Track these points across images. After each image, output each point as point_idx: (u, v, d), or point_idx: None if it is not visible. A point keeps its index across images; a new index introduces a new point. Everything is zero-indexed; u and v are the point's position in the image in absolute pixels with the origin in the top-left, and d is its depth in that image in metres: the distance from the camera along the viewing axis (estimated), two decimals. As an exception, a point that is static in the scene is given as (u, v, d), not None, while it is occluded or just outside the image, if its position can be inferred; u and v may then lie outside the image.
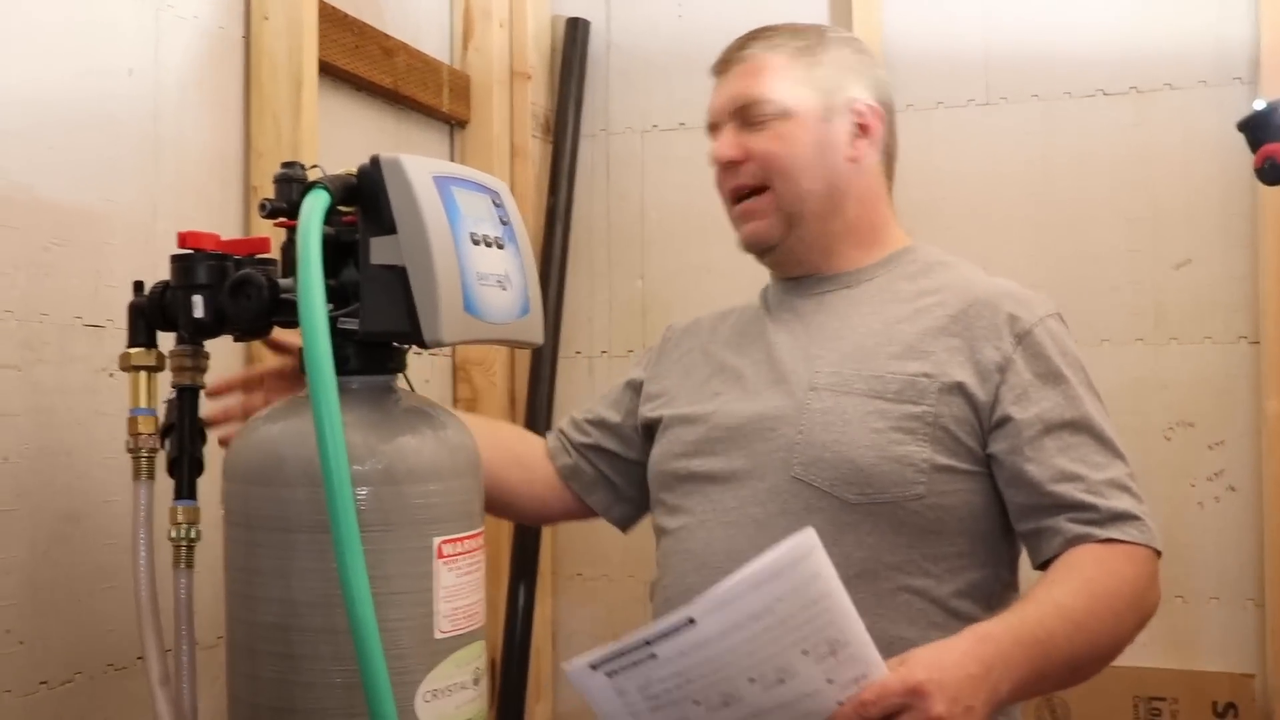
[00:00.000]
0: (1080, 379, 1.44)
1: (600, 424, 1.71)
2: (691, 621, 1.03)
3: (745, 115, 1.51)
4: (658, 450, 1.59)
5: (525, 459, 1.72)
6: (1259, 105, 1.52)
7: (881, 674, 1.10)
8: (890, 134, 1.57)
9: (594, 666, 1.06)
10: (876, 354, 1.45)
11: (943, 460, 1.39)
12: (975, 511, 1.42)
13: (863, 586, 1.30)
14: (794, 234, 1.52)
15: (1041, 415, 1.39)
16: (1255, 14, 2.29)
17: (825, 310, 1.53)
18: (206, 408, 1.41)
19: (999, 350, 1.42)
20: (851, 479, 1.39)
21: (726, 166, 1.53)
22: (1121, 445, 1.42)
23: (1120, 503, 1.37)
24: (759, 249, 1.56)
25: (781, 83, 1.51)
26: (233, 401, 1.43)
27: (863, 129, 1.54)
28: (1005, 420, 1.40)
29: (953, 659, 1.14)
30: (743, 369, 1.55)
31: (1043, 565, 1.40)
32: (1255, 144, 1.50)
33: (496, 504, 1.74)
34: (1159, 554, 1.38)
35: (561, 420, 1.77)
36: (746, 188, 1.52)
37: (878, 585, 1.37)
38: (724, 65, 1.58)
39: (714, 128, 1.57)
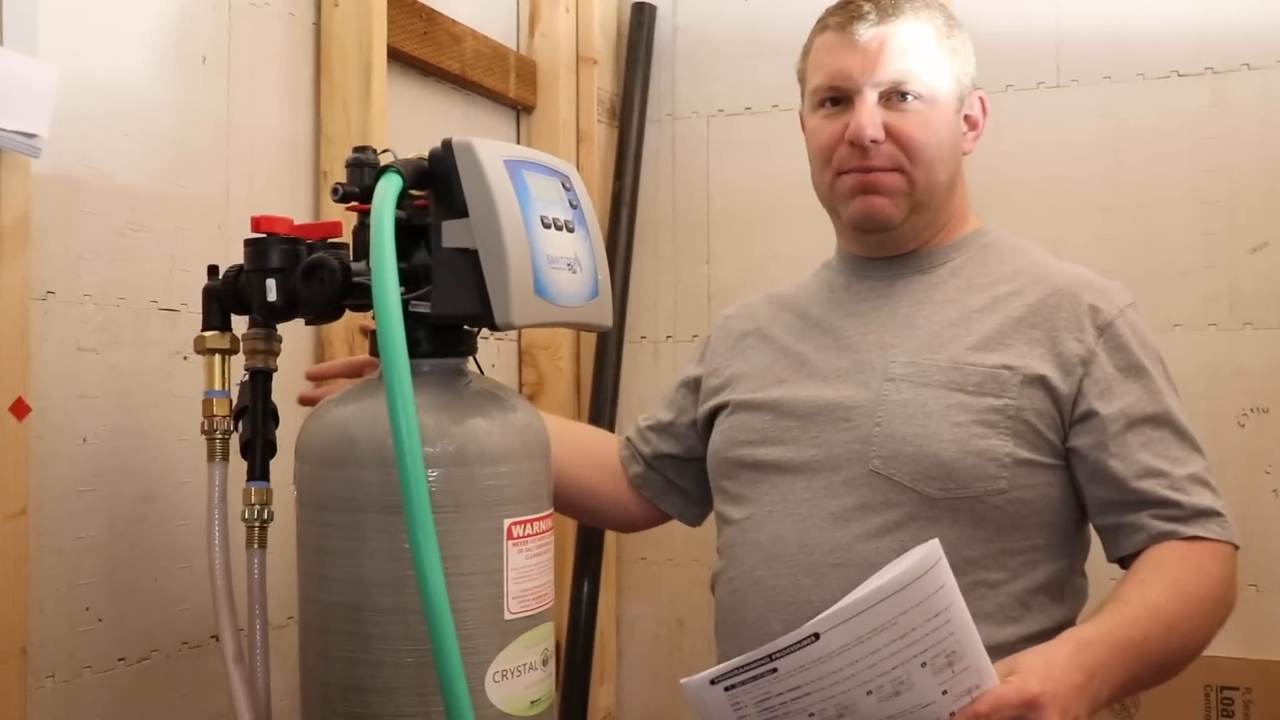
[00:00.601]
0: (1160, 371, 1.42)
1: (660, 429, 1.70)
2: (816, 637, 1.05)
3: (891, 92, 1.45)
4: (719, 437, 1.56)
5: (614, 470, 1.72)
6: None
7: (994, 684, 1.09)
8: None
9: (714, 682, 1.09)
10: (955, 345, 1.43)
11: (1024, 454, 1.38)
12: (1053, 505, 1.41)
13: None
14: (910, 221, 1.49)
15: (1125, 410, 1.38)
16: (1337, -8, 2.23)
17: (898, 295, 1.50)
18: (306, 390, 1.48)
19: (1081, 343, 1.40)
20: (933, 473, 1.37)
21: (866, 144, 1.44)
22: (1199, 438, 1.42)
23: (1202, 499, 1.36)
24: (875, 227, 1.49)
25: (933, 64, 1.47)
26: (333, 388, 1.45)
27: (971, 121, 1.53)
28: (1089, 415, 1.38)
29: (1061, 668, 1.14)
30: (808, 355, 1.52)
31: (1121, 560, 1.40)
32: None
33: (590, 513, 1.81)
34: (1237, 548, 1.37)
35: (629, 428, 1.77)
36: (878, 169, 1.46)
37: (957, 580, 1.31)
38: (869, 26, 1.46)
39: (834, 93, 1.48)
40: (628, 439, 1.74)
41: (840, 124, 1.46)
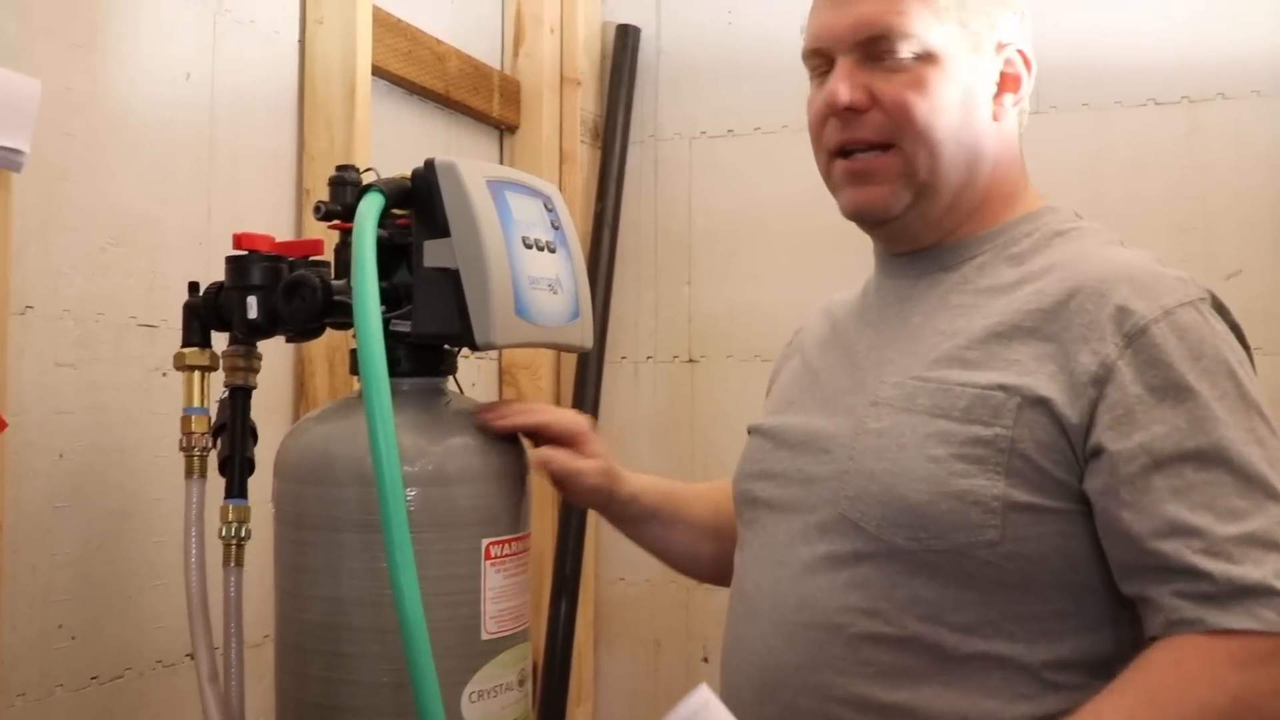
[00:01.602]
0: (1223, 389, 1.07)
1: None
2: None
3: (873, 49, 1.18)
4: (736, 470, 1.35)
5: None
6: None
7: None
8: (1033, 80, 1.27)
9: None
10: (953, 359, 1.15)
11: (1022, 497, 1.09)
12: (1075, 561, 1.10)
13: (923, 652, 1.10)
14: (917, 207, 1.21)
15: (1148, 444, 1.05)
16: (1312, 24, 2.26)
17: (915, 300, 1.24)
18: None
19: (1097, 355, 1.08)
20: (901, 519, 1.11)
21: (842, 113, 1.19)
22: None
23: (1254, 569, 1.00)
24: (871, 220, 1.24)
25: (927, 13, 1.18)
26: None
27: (1009, 81, 1.24)
28: (1098, 451, 1.07)
29: None
30: (821, 372, 1.29)
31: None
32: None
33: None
34: None
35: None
36: (864, 142, 1.19)
37: (943, 651, 1.10)
38: None
39: (817, 56, 1.23)
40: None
41: (825, 93, 1.21)
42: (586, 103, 2.65)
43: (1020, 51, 1.25)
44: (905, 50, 1.18)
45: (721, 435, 2.58)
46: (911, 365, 1.18)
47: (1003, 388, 1.11)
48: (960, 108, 1.20)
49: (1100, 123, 2.40)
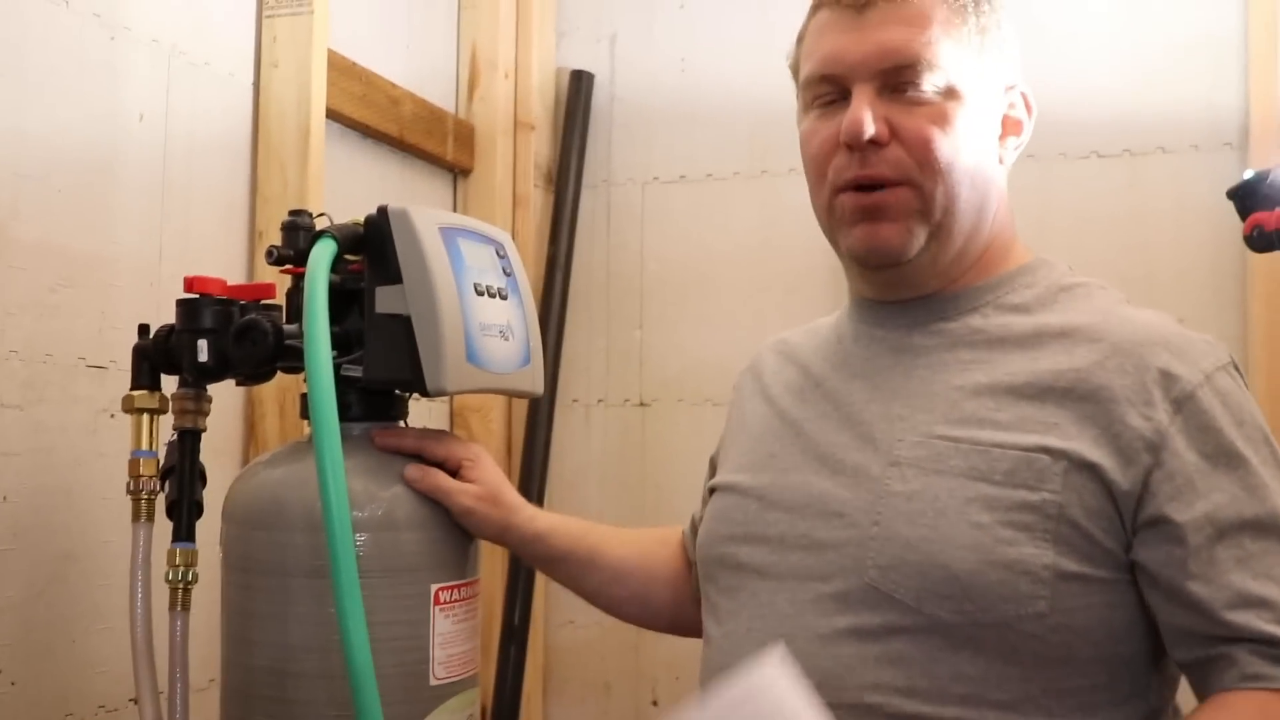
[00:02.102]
0: (1264, 455, 1.06)
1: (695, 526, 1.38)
2: None
3: (895, 79, 1.11)
4: (703, 529, 1.26)
5: (673, 577, 1.41)
6: (1248, 174, 1.54)
7: None
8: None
9: None
10: (980, 419, 1.09)
11: (1071, 566, 1.04)
12: (1115, 632, 1.06)
13: None
14: (929, 250, 1.14)
15: (1212, 515, 1.02)
16: (1245, 83, 2.32)
17: (914, 352, 1.17)
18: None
19: (1149, 421, 1.04)
20: (946, 591, 1.04)
21: (864, 146, 1.11)
22: None
23: None
24: (881, 261, 1.15)
25: (952, 46, 1.12)
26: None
27: (1011, 123, 1.19)
28: (1159, 521, 1.03)
29: None
30: (805, 424, 1.20)
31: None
32: (1244, 211, 1.52)
33: (667, 628, 1.45)
34: None
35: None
36: (880, 179, 1.12)
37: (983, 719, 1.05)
38: None
39: (826, 84, 1.15)
40: (683, 533, 1.43)
41: (835, 125, 1.13)
42: (540, 147, 2.67)
43: (1024, 94, 1.20)
44: (930, 83, 1.11)
45: (672, 478, 2.59)
46: (930, 423, 1.11)
47: (1047, 450, 1.05)
48: (975, 147, 1.14)
49: (1045, 174, 2.45)
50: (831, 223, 1.18)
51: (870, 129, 1.10)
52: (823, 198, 1.17)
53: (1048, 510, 1.03)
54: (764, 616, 1.13)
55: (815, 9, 1.19)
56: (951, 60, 1.12)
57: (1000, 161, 1.19)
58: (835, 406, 1.19)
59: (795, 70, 1.24)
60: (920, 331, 1.17)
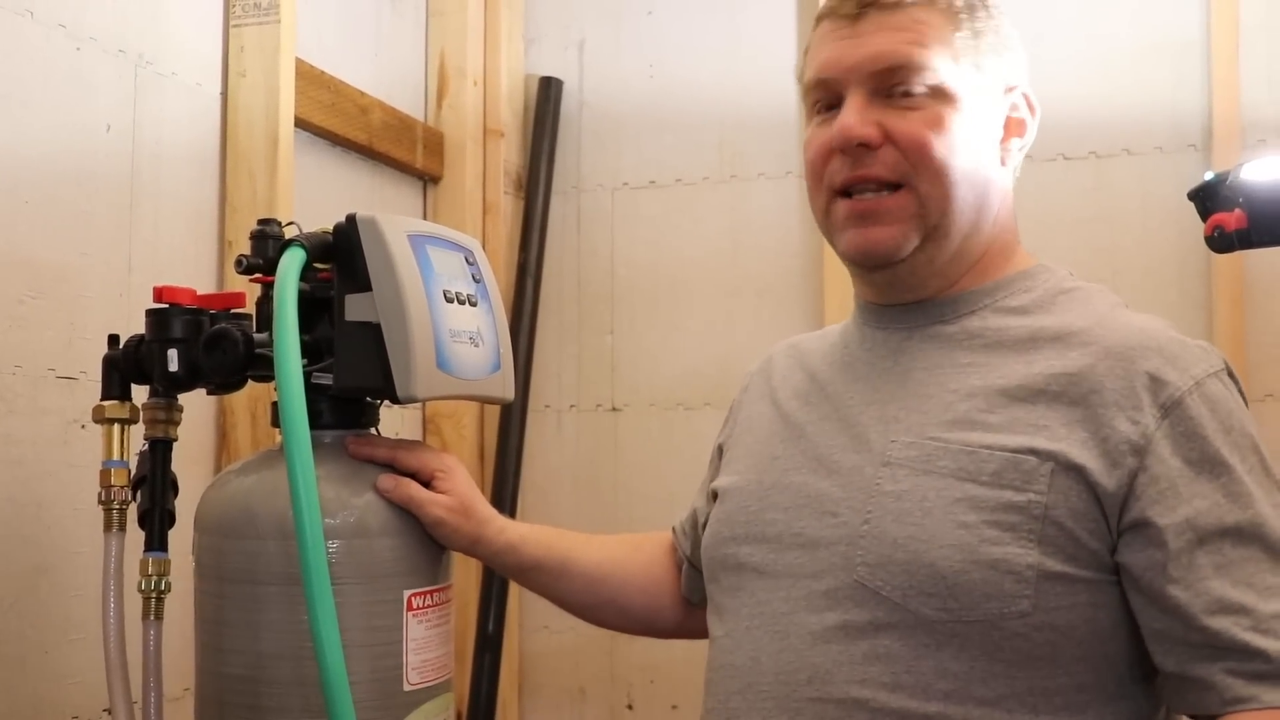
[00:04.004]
0: (1250, 464, 1.06)
1: (696, 522, 1.38)
2: None
3: (887, 82, 1.13)
4: (708, 532, 1.27)
5: (661, 579, 1.44)
6: (1208, 176, 1.56)
7: None
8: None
9: None
10: (972, 421, 1.10)
11: (1055, 566, 1.05)
12: (1101, 632, 1.07)
13: None
14: (925, 251, 1.15)
15: (1193, 520, 1.03)
16: (1208, 85, 2.35)
17: (911, 354, 1.18)
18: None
19: (1136, 425, 1.05)
20: (931, 589, 1.05)
21: (855, 149, 1.13)
22: None
23: None
24: (876, 263, 1.17)
25: (944, 50, 1.14)
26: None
27: (1014, 124, 1.20)
28: (1142, 524, 1.04)
29: None
30: (807, 427, 1.21)
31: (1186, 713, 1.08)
32: (1205, 213, 1.54)
33: (645, 631, 1.49)
34: None
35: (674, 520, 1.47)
36: (875, 180, 1.14)
37: (966, 716, 1.06)
38: (857, 6, 1.16)
39: (823, 89, 1.18)
40: (673, 531, 1.45)
41: (831, 130, 1.16)
42: (510, 154, 2.67)
43: (1025, 95, 1.21)
44: (922, 85, 1.13)
45: (644, 483, 2.60)
46: (924, 424, 1.12)
47: (1034, 452, 1.06)
48: (972, 149, 1.15)
49: (1011, 176, 2.47)
50: (828, 226, 1.20)
51: (860, 131, 1.12)
52: (820, 201, 1.19)
53: (1033, 511, 1.05)
54: (762, 614, 1.15)
55: (817, 21, 1.22)
56: (944, 63, 1.13)
57: (1003, 164, 1.19)
58: (836, 409, 1.20)
59: (801, 80, 1.25)
60: (919, 334, 1.19)
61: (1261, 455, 1.07)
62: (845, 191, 1.15)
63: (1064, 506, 1.05)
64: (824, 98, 1.18)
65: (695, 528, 1.36)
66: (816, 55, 1.19)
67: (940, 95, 1.13)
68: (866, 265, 1.18)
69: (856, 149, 1.13)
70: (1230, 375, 1.11)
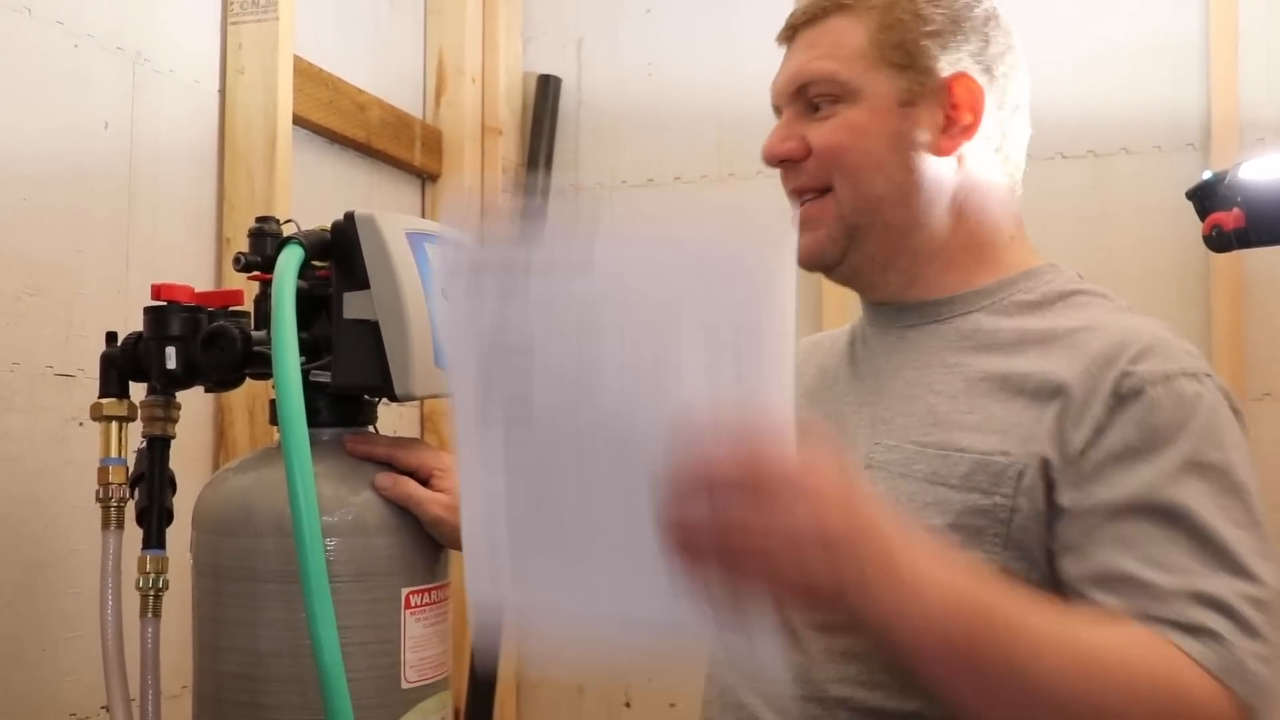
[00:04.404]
0: (1210, 458, 1.00)
1: None
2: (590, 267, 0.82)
3: (804, 97, 1.18)
4: None
5: None
6: (1206, 175, 1.56)
7: (764, 413, 0.82)
8: (1007, 118, 1.20)
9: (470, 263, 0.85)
10: (951, 422, 1.09)
11: (1020, 570, 1.02)
12: None
13: None
14: (858, 251, 1.17)
15: (1110, 498, 0.99)
16: (1207, 84, 2.35)
17: (903, 354, 1.18)
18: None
19: (1093, 419, 1.02)
20: None
21: (781, 164, 1.19)
22: (1261, 561, 0.96)
23: (1203, 617, 0.93)
24: (812, 268, 1.21)
25: (852, 56, 1.16)
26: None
27: (959, 113, 1.17)
28: (1061, 512, 1.02)
29: (867, 500, 0.85)
30: (809, 425, 1.17)
31: None
32: (1203, 212, 1.54)
33: None
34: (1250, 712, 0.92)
35: None
36: (807, 190, 1.18)
37: (942, 716, 1.01)
38: (789, 32, 1.22)
39: (776, 112, 1.24)
40: None
41: (764, 146, 1.22)
42: (508, 152, 2.67)
43: (966, 82, 1.16)
44: (830, 95, 1.16)
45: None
46: (907, 427, 1.12)
47: (1005, 453, 1.04)
48: (892, 145, 1.15)
49: (1009, 174, 2.47)
50: None
51: (778, 149, 1.18)
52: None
53: (998, 514, 1.03)
54: None
55: None
56: (852, 70, 1.15)
57: (944, 153, 1.16)
58: (837, 408, 1.21)
59: None
60: (912, 333, 1.18)
61: (1225, 454, 1.00)
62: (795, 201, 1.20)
63: (1029, 510, 1.02)
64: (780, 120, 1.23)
65: None
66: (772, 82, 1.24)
67: (849, 99, 1.15)
68: (810, 270, 1.20)
69: (783, 164, 1.19)
70: (1221, 388, 1.06)
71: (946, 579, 0.87)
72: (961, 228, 1.17)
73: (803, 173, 1.17)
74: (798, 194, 1.18)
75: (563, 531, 0.86)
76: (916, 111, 1.16)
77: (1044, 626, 0.89)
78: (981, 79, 1.17)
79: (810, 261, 1.19)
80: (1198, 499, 0.97)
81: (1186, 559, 0.95)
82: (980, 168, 1.18)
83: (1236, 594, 0.94)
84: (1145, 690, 0.90)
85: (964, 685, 0.89)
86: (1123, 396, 1.02)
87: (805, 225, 1.17)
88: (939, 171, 1.16)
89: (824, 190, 1.16)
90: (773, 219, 0.86)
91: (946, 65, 1.17)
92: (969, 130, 1.17)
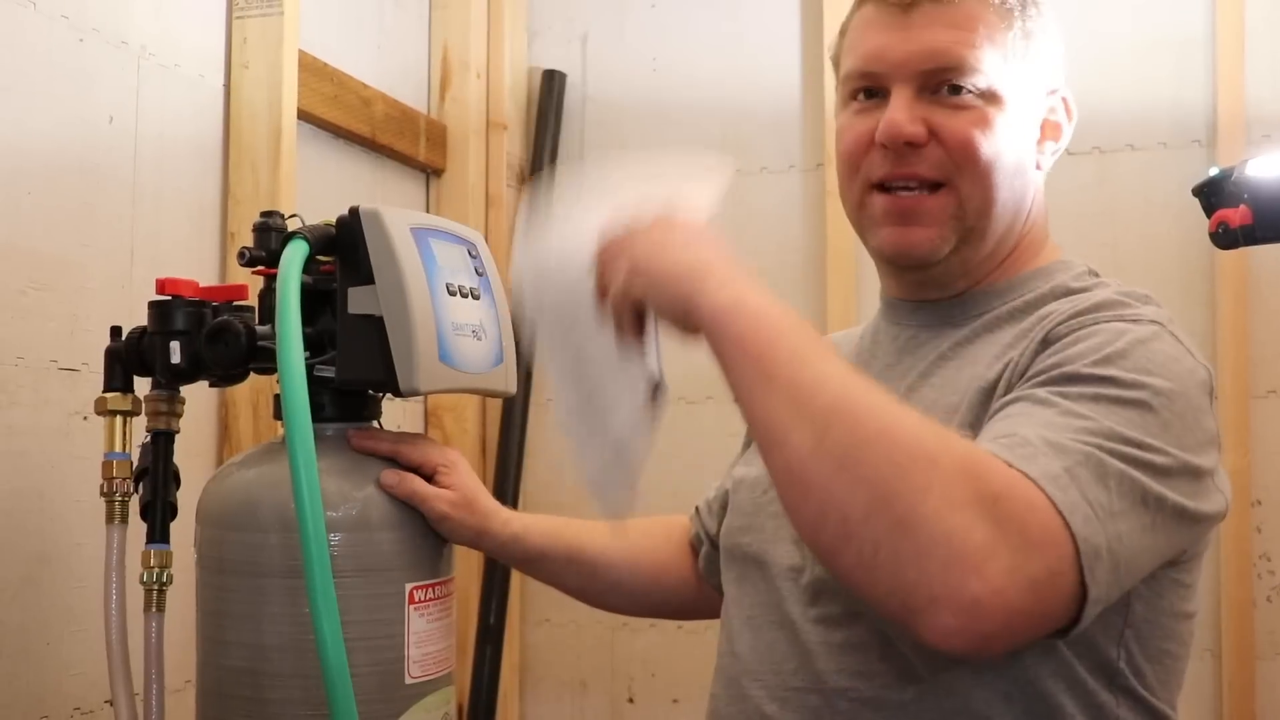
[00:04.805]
0: (1112, 373, 0.96)
1: (724, 502, 1.34)
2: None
3: (936, 80, 1.11)
4: (724, 521, 1.28)
5: (674, 558, 1.44)
6: (1212, 171, 1.55)
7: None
8: None
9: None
10: (948, 417, 1.07)
11: None
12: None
13: (923, 709, 1.05)
14: (960, 253, 1.13)
15: (1018, 394, 0.99)
16: (1213, 80, 2.35)
17: (918, 353, 1.17)
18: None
19: (1021, 365, 1.03)
20: None
21: (901, 146, 1.11)
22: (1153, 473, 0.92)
23: (1045, 461, 0.88)
24: (911, 264, 1.15)
25: (995, 50, 1.11)
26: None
27: (1050, 127, 1.18)
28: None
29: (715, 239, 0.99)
30: None
31: None
32: (1209, 209, 1.53)
33: (655, 611, 1.54)
34: (1074, 539, 0.85)
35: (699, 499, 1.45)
36: (917, 178, 1.11)
37: (939, 704, 1.05)
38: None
39: (865, 79, 1.14)
40: (695, 510, 1.44)
41: (872, 121, 1.13)
42: (513, 147, 2.67)
43: (1064, 99, 1.20)
44: (972, 86, 1.11)
45: (646, 475, 2.59)
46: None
47: None
48: (1014, 151, 1.13)
49: (1014, 171, 2.47)
50: (861, 219, 1.17)
51: (909, 130, 1.10)
52: (854, 194, 1.17)
53: None
54: (761, 604, 1.16)
55: (860, 3, 1.18)
56: (994, 64, 1.11)
57: (1038, 166, 1.18)
58: None
59: (836, 62, 1.22)
60: (926, 334, 1.18)
61: (1136, 393, 0.94)
62: (883, 185, 1.13)
63: None
64: (867, 88, 1.15)
65: (723, 507, 1.33)
66: (861, 42, 1.15)
67: (989, 97, 1.11)
68: (900, 265, 1.16)
69: (903, 146, 1.11)
70: (1156, 326, 1.03)
71: (766, 295, 0.93)
72: (1025, 234, 1.17)
73: (922, 160, 1.11)
74: (900, 179, 1.12)
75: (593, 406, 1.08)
76: (1030, 120, 1.16)
77: (851, 379, 0.89)
78: (1068, 93, 1.20)
79: (916, 259, 1.14)
80: (1069, 395, 0.94)
81: (1066, 428, 0.91)
82: (1042, 178, 1.19)
83: (1047, 438, 0.89)
84: (961, 459, 0.84)
85: (746, 372, 0.90)
86: (1047, 340, 1.02)
87: (910, 218, 1.12)
88: (1033, 180, 1.17)
89: (936, 184, 1.12)
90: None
91: (1051, 77, 1.18)
92: (1059, 149, 1.19)
